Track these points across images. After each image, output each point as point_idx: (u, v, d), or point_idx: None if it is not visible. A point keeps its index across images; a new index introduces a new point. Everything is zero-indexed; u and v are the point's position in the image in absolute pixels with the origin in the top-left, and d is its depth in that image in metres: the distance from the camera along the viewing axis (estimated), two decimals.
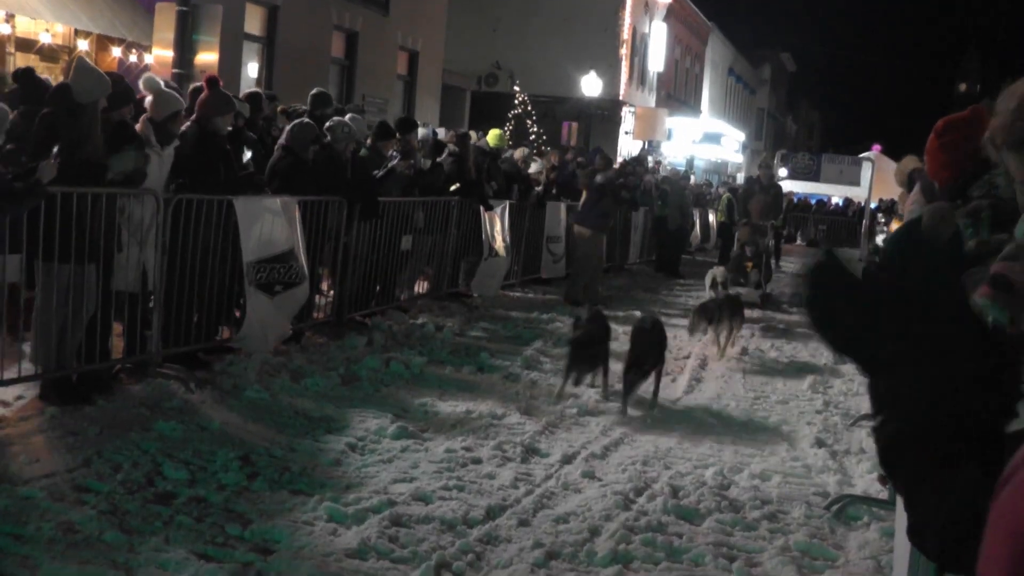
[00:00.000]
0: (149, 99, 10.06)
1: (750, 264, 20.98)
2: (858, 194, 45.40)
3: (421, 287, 16.52)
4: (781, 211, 24.30)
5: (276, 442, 8.50)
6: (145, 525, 6.39)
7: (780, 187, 24.44)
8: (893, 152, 46.48)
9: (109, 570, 5.72)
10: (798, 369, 14.16)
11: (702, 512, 7.76)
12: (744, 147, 65.63)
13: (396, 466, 8.23)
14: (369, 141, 14.35)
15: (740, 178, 42.25)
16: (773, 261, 25.52)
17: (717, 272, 17.71)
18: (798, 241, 46.89)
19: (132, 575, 5.70)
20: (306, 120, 12.51)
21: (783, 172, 44.95)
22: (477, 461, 8.44)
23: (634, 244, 26.04)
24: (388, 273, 14.51)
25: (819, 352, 15.38)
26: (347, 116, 13.78)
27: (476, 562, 6.42)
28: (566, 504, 7.71)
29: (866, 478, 8.82)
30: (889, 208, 26.28)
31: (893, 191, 21.65)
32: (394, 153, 14.46)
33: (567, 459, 8.85)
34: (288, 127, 12.36)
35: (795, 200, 50.18)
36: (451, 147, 16.87)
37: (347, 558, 6.24)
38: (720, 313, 14.68)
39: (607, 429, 9.99)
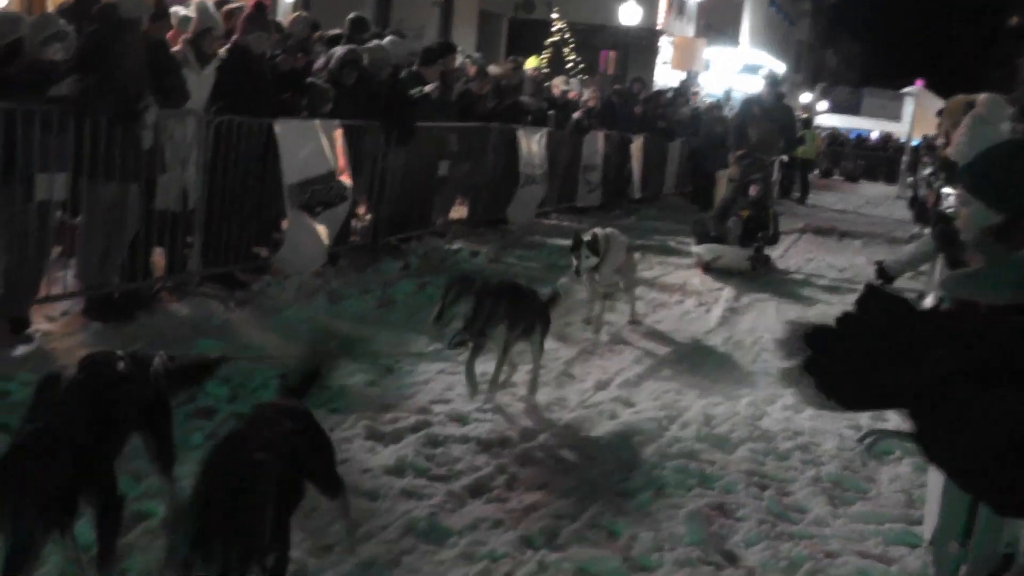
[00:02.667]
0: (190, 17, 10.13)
1: (745, 213, 16.11)
2: (898, 130, 45.02)
3: (457, 213, 16.58)
4: (793, 141, 19.23)
5: None
6: (187, 439, 6.50)
7: (790, 110, 19.15)
8: (937, 87, 45.91)
9: (156, 481, 5.84)
10: (833, 302, 14.16)
11: (734, 441, 7.83)
12: (783, 80, 65.01)
13: (432, 388, 8.34)
14: (415, 66, 14.28)
15: None
16: (781, 205, 22.31)
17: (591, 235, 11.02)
18: (835, 176, 46.48)
19: (175, 485, 5.82)
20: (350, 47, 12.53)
21: (823, 105, 44.37)
22: (512, 384, 8.52)
23: (669, 175, 25.92)
24: (424, 198, 14.56)
25: (855, 283, 15.40)
26: (386, 39, 13.77)
27: (511, 482, 6.53)
28: (599, 429, 7.81)
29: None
30: (930, 145, 25.27)
31: (935, 128, 21.21)
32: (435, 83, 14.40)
33: (601, 385, 8.93)
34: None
35: (839, 135, 49.80)
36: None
37: (384, 475, 6.35)
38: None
39: (640, 357, 10.06)
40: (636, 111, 23.37)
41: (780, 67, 62.32)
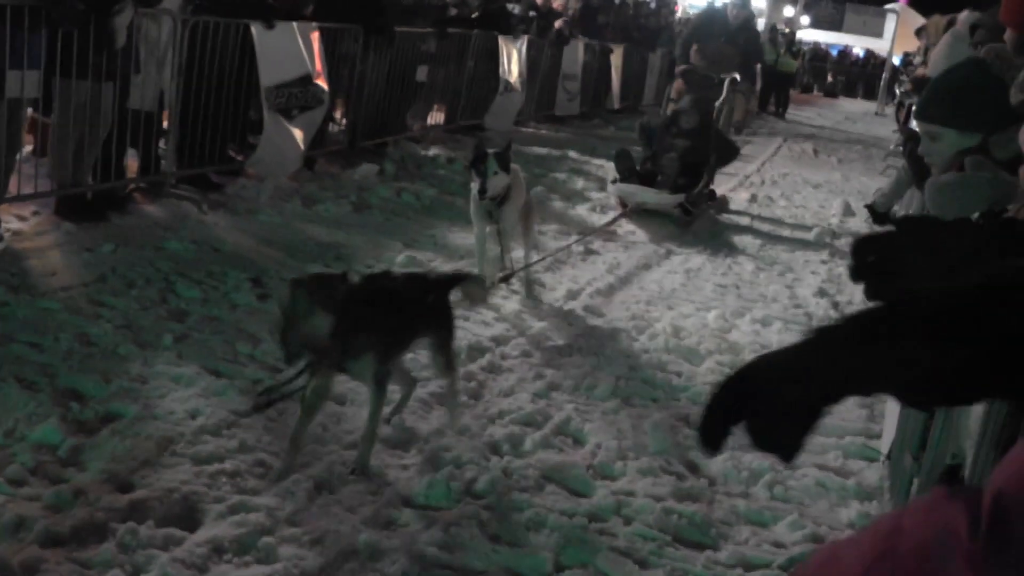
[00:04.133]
0: None
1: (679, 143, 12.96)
2: (880, 46, 44.91)
3: (435, 119, 16.52)
4: (755, 66, 17.80)
5: (287, 265, 8.62)
6: (158, 340, 6.53)
7: (755, 32, 16.73)
8: (919, 4, 45.68)
9: (124, 381, 5.90)
10: (807, 218, 14.23)
11: (702, 353, 7.90)
12: None
13: None
14: None
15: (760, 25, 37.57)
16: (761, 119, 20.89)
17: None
18: (815, 92, 46.38)
19: (146, 387, 5.87)
20: None
21: (805, 20, 44.20)
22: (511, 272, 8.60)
23: (649, 86, 25.80)
24: (402, 103, 14.50)
25: (828, 203, 15.48)
26: None
27: (479, 390, 6.58)
28: (568, 337, 7.87)
29: None
30: (909, 63, 25.02)
31: (915, 45, 21.18)
32: None
33: (572, 295, 8.97)
34: None
35: (820, 50, 49.55)
36: None
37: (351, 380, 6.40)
38: None
39: (612, 268, 10.11)
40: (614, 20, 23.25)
41: None
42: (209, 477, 4.92)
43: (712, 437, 1.56)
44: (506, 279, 8.63)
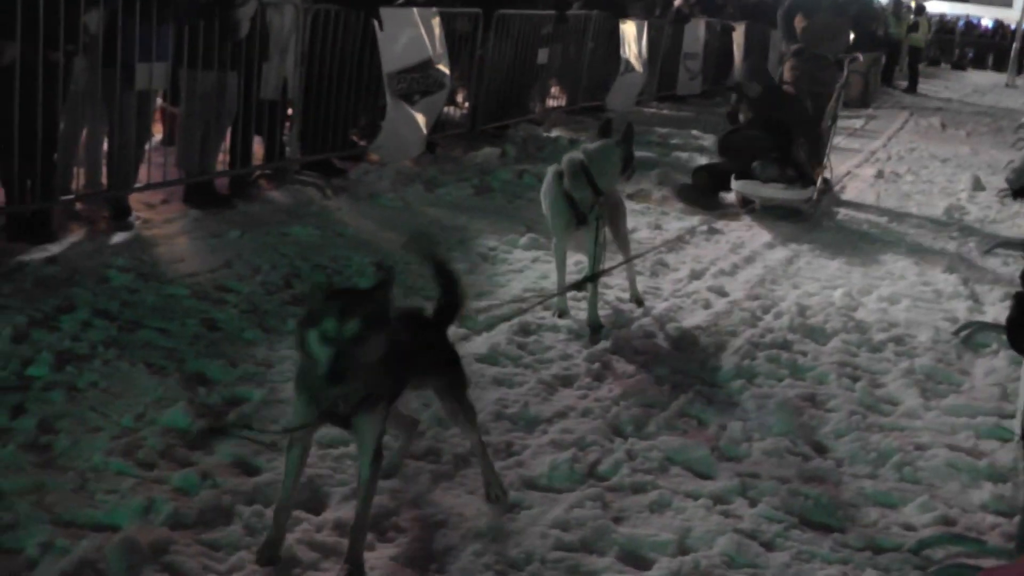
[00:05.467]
0: None
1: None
2: (1010, 16, 43.79)
3: (556, 100, 16.49)
4: (872, 41, 15.44)
5: None
6: (283, 325, 6.59)
7: (868, 3, 15.04)
8: None
9: (250, 366, 5.98)
10: (934, 194, 13.92)
11: (828, 332, 7.76)
12: None
13: (526, 276, 8.37)
14: None
15: None
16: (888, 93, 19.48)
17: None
18: (942, 64, 45.37)
19: (271, 371, 5.94)
20: None
21: None
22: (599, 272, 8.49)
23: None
24: (523, 86, 14.49)
25: (956, 178, 15.13)
26: None
27: (602, 371, 6.55)
28: (693, 318, 7.78)
29: (997, 306, 8.68)
30: None
31: None
32: None
33: (696, 275, 8.89)
34: None
35: (947, 22, 48.48)
36: None
37: (477, 362, 6.40)
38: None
39: (736, 247, 10.00)
40: None
41: None
42: (334, 460, 4.97)
43: None
44: (595, 278, 7.32)
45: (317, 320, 3.83)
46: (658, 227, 10.34)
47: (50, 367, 5.62)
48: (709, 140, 15.79)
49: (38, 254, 7.41)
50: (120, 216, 8.41)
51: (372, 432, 4.15)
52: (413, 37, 11.06)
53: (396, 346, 4.08)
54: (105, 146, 8.55)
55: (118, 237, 8.10)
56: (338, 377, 3.80)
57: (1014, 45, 37.97)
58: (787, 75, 13.03)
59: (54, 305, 6.49)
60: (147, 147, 8.86)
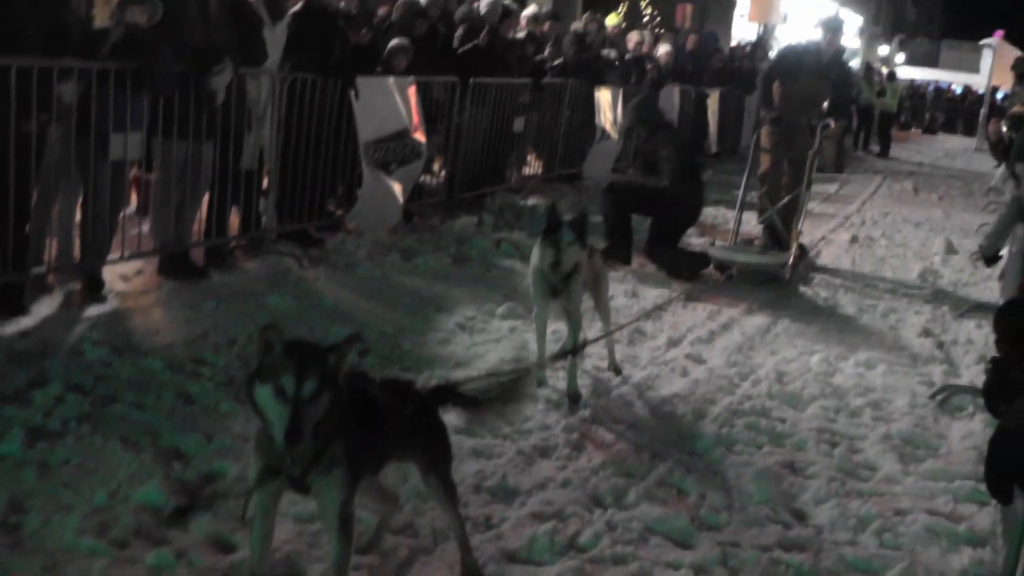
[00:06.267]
0: None
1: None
2: (977, 82, 44.41)
3: (532, 168, 16.53)
4: (845, 106, 14.61)
5: (387, 319, 8.64)
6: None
7: (847, 68, 14.53)
8: (1016, 39, 45.15)
9: (227, 439, 5.92)
10: (908, 258, 14.01)
11: (805, 398, 7.77)
12: (861, 32, 63.89)
13: (504, 346, 8.33)
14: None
15: (855, 64, 35.11)
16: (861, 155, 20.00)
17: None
18: (913, 129, 45.82)
19: (248, 445, 5.87)
20: None
21: (900, 58, 43.79)
22: (583, 343, 8.48)
23: (747, 129, 25.58)
24: (499, 154, 14.53)
25: (929, 242, 15.23)
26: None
27: (581, 441, 6.51)
28: (671, 386, 7.77)
29: (972, 369, 8.75)
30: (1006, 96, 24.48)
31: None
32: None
33: (673, 342, 8.88)
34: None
35: (917, 87, 49.04)
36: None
37: (455, 433, 6.31)
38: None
39: (714, 314, 10.00)
40: (714, 65, 23.13)
41: (857, 19, 61.32)
42: (311, 536, 4.90)
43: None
44: (576, 351, 7.33)
45: (272, 375, 3.68)
46: (635, 295, 10.34)
47: (21, 444, 5.54)
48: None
49: (10, 327, 7.32)
50: (94, 288, 8.34)
51: (332, 498, 3.93)
52: (389, 106, 11.09)
53: (378, 415, 4.03)
54: (78, 217, 8.49)
55: (92, 309, 8.02)
56: (295, 437, 3.61)
57: (982, 110, 38.38)
58: (764, 141, 13.02)
59: (26, 380, 6.40)
60: (121, 216, 8.80)
